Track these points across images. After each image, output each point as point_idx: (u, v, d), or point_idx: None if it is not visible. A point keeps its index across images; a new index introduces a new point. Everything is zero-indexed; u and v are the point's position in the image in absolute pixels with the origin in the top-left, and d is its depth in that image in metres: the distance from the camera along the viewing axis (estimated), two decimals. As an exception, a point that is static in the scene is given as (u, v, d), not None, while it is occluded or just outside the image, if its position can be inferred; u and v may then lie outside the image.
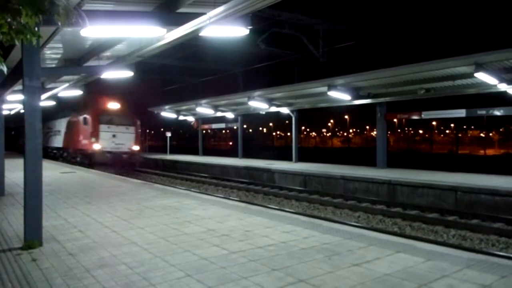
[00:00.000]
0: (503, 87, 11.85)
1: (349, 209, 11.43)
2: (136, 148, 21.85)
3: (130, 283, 3.56)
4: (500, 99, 13.85)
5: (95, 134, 20.63)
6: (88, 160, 20.54)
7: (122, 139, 21.27)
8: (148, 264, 4.08)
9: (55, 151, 27.50)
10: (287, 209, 10.87)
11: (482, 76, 11.21)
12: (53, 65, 11.56)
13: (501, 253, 6.92)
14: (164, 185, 11.21)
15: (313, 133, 62.41)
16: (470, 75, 11.62)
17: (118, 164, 20.69)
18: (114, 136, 21.08)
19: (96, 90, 24.63)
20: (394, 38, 17.56)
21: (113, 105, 21.99)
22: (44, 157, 25.01)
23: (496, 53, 10.37)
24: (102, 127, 20.90)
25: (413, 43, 21.01)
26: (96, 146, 20.46)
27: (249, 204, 7.90)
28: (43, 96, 14.93)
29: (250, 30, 6.79)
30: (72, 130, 23.41)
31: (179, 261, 4.18)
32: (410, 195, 12.03)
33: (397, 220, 9.99)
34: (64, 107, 25.10)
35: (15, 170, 13.80)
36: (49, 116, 27.91)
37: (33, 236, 4.78)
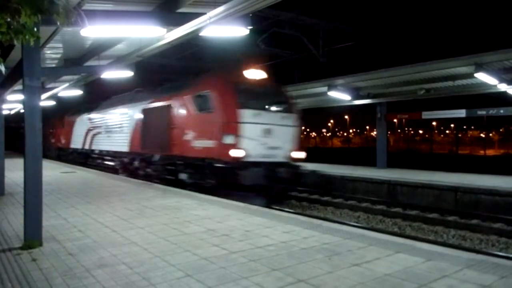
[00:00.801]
0: (503, 87, 11.87)
1: (349, 209, 11.43)
2: (300, 155, 11.39)
3: (130, 283, 3.56)
4: (500, 99, 13.86)
5: (232, 129, 10.19)
6: (217, 180, 10.38)
7: (279, 139, 10.89)
8: (148, 264, 4.08)
9: (108, 158, 17.68)
10: (286, 209, 10.86)
11: (482, 76, 11.23)
12: (53, 65, 11.57)
13: (501, 253, 6.92)
14: (163, 185, 11.20)
15: (313, 133, 62.42)
16: (470, 75, 11.64)
17: (277, 187, 10.91)
18: (267, 132, 10.65)
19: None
20: (394, 38, 17.58)
21: (257, 74, 11.49)
22: (83, 165, 19.56)
23: (496, 54, 10.39)
24: (246, 114, 10.35)
25: (413, 43, 21.04)
26: (237, 153, 10.05)
27: (249, 204, 7.90)
28: (43, 96, 14.94)
29: (250, 30, 6.80)
30: (162, 123, 12.66)
31: (179, 261, 4.18)
32: (410, 195, 12.04)
33: (397, 220, 9.99)
34: (131, 86, 16.73)
35: (15, 170, 13.80)
36: (91, 105, 20.53)
37: (33, 236, 4.78)
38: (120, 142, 15.93)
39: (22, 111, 6.43)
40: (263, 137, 10.58)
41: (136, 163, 14.66)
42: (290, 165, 11.10)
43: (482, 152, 21.59)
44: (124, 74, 10.68)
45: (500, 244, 7.91)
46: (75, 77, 12.97)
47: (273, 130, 10.79)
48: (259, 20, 15.88)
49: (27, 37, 3.08)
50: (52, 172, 14.72)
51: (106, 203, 7.90)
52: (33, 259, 4.26)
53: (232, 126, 10.19)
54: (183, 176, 11.70)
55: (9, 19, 2.91)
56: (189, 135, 11.35)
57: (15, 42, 3.16)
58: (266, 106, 11.02)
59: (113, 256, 4.34)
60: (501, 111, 14.32)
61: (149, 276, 3.72)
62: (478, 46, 12.45)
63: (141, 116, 14.30)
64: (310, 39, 18.06)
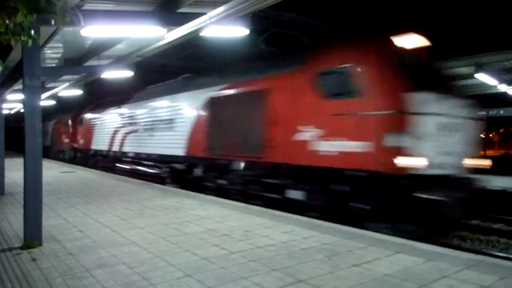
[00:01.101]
0: (503, 88, 11.89)
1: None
2: (482, 163, 7.72)
3: (130, 283, 3.56)
4: (500, 99, 13.87)
5: (400, 124, 6.26)
6: (376, 205, 6.58)
7: (460, 139, 7.04)
8: (148, 264, 4.08)
9: (149, 163, 13.88)
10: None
11: (482, 77, 11.24)
12: (53, 65, 11.57)
13: (500, 254, 6.91)
14: (163, 185, 11.20)
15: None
16: (470, 76, 11.65)
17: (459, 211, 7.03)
18: (448, 129, 6.77)
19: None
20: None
21: (419, 42, 7.33)
22: (107, 170, 16.11)
23: (496, 54, 10.41)
24: (420, 101, 6.36)
25: (413, 44, 21.04)
26: (416, 161, 6.19)
27: (249, 204, 7.90)
28: (43, 96, 14.93)
29: (251, 30, 6.80)
30: (251, 117, 8.97)
31: (179, 261, 4.18)
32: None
33: (397, 221, 9.97)
34: (188, 68, 14.02)
35: (15, 170, 13.80)
36: (120, 98, 16.97)
37: (33, 236, 4.78)
38: (170, 143, 12.10)
39: (22, 110, 6.44)
40: (443, 136, 6.76)
41: (197, 172, 10.95)
42: (467, 179, 7.37)
43: (482, 152, 21.59)
44: (124, 74, 10.68)
45: (500, 245, 7.91)
46: (75, 77, 12.97)
47: (454, 126, 6.99)
48: (260, 20, 15.86)
49: (24, 38, 3.07)
50: (52, 172, 14.72)
51: (106, 203, 7.90)
52: (33, 259, 4.26)
53: (400, 120, 6.39)
54: (298, 195, 7.91)
55: (7, 20, 2.90)
56: (308, 134, 7.59)
57: (13, 43, 3.15)
58: (441, 90, 6.94)
59: (113, 256, 4.34)
60: (501, 111, 14.34)
61: (149, 276, 3.72)
62: (478, 47, 12.47)
63: (207, 107, 10.55)
64: (310, 39, 18.07)
